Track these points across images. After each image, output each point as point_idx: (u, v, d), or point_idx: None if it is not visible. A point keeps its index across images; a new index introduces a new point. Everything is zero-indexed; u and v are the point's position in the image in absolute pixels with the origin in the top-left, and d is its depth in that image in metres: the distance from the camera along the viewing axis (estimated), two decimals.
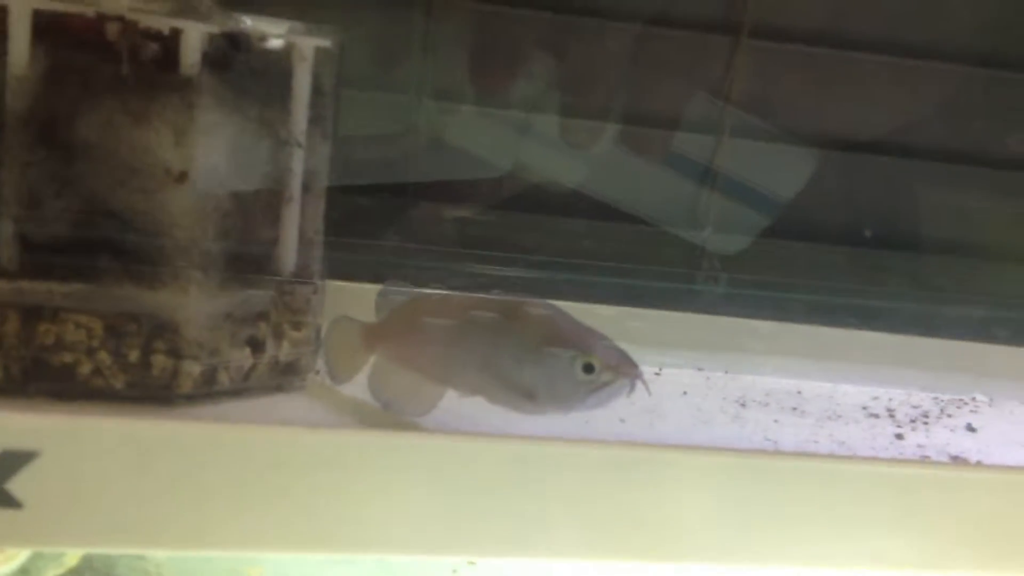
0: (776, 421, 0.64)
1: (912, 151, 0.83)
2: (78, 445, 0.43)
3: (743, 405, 0.67)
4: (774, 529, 0.50)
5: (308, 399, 0.58)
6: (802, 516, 0.51)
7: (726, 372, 0.74)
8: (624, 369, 0.51)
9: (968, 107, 0.84)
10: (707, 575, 0.57)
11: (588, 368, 0.50)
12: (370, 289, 0.60)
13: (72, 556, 0.61)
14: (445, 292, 0.58)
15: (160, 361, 0.52)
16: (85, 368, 0.52)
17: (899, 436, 0.63)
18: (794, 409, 0.67)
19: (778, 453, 0.55)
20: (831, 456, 0.55)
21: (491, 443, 0.48)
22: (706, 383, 0.72)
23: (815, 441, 0.61)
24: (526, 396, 0.52)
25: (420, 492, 0.47)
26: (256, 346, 0.56)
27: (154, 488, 0.44)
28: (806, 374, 0.74)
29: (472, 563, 0.67)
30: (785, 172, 0.83)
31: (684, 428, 0.60)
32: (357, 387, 0.59)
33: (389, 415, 0.55)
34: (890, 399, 0.72)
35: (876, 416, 0.68)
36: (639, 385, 0.51)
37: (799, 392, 0.72)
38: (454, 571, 0.68)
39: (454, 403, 0.54)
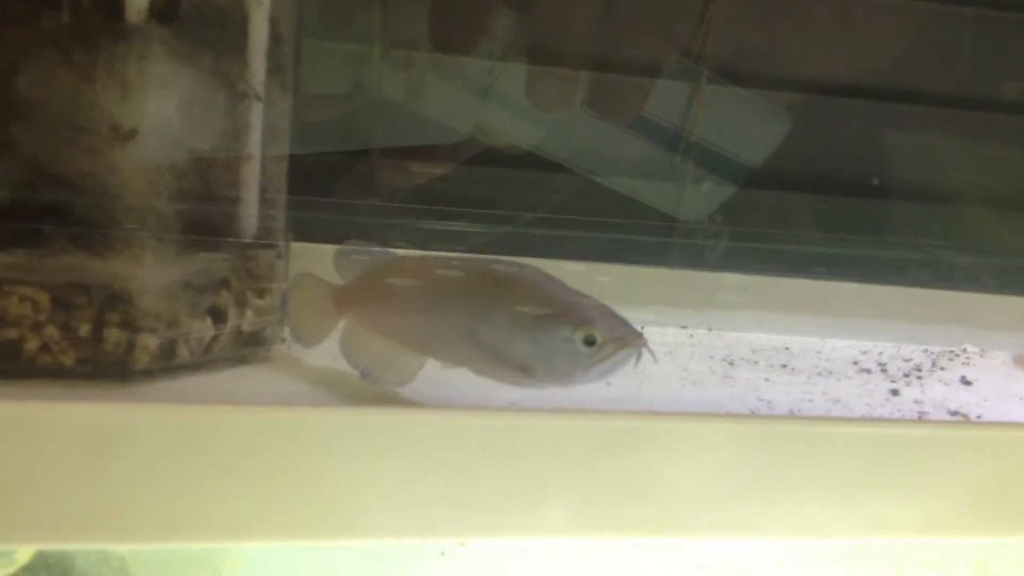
0: (767, 380, 0.61)
1: (894, 94, 0.80)
2: (23, 431, 0.39)
3: (731, 364, 0.64)
4: (776, 497, 0.48)
5: (275, 371, 0.55)
6: (802, 482, 0.48)
7: (710, 329, 0.72)
8: (628, 339, 0.47)
9: (955, 48, 0.81)
10: (705, 547, 0.55)
11: (590, 341, 0.47)
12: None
13: (24, 552, 0.57)
14: (414, 253, 0.54)
15: (113, 335, 0.49)
16: (32, 344, 0.48)
17: (894, 392, 0.61)
18: (784, 366, 0.65)
19: (782, 417, 0.52)
20: (836, 419, 0.52)
21: (474, 417, 0.45)
22: (690, 341, 0.69)
23: (809, 400, 0.58)
24: (521, 370, 0.48)
25: (401, 471, 0.44)
26: (217, 316, 0.52)
27: (110, 476, 0.41)
28: (793, 329, 0.72)
29: (462, 543, 0.64)
30: (757, 135, 0.79)
31: (673, 390, 0.57)
32: (327, 355, 0.56)
33: (366, 385, 0.52)
34: (880, 353, 0.70)
35: (868, 371, 0.65)
36: (645, 354, 0.48)
37: (787, 348, 0.69)
38: (442, 553, 0.64)
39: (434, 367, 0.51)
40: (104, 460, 0.40)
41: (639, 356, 0.48)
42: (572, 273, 0.72)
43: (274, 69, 0.53)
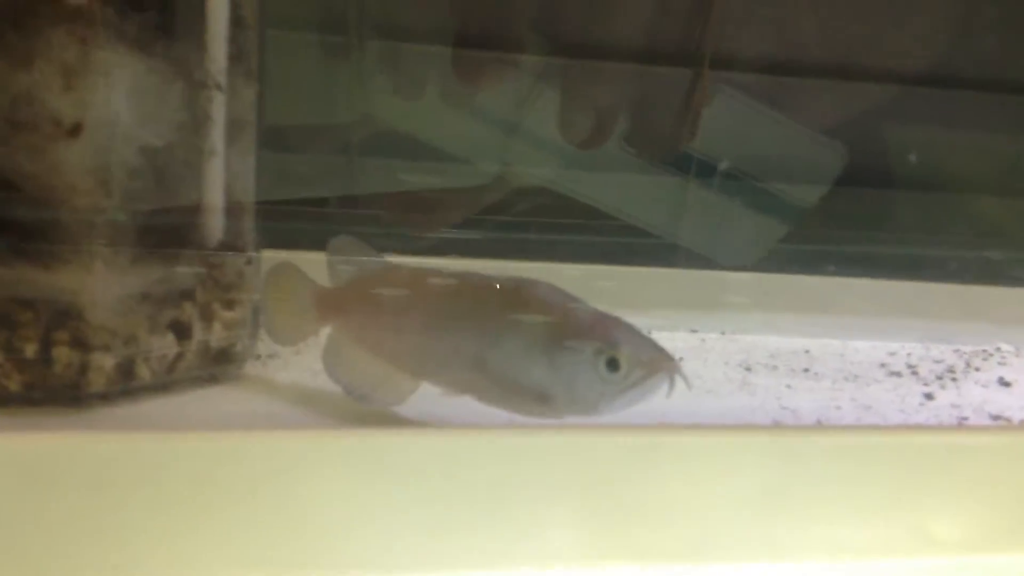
0: (788, 386, 0.56)
1: (913, 79, 0.75)
2: None
3: (748, 369, 0.59)
4: (808, 516, 0.43)
5: (248, 391, 0.50)
6: (836, 498, 0.43)
7: (723, 333, 0.67)
8: (658, 363, 0.42)
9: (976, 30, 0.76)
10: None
11: (614, 365, 0.41)
12: (315, 259, 0.51)
13: None
14: (407, 261, 0.48)
15: (63, 355, 0.44)
16: None
17: (928, 396, 0.56)
18: (806, 371, 0.60)
19: (810, 428, 0.47)
20: (870, 428, 0.47)
21: (467, 436, 0.40)
22: (702, 346, 0.64)
23: (837, 407, 0.53)
24: (538, 399, 0.43)
25: (389, 500, 0.38)
26: (181, 331, 0.47)
27: (59, 514, 0.35)
28: (812, 331, 0.67)
29: None
30: (811, 172, 0.74)
31: (688, 400, 0.52)
32: (306, 372, 0.51)
33: (350, 403, 0.47)
34: (909, 354, 0.65)
35: (898, 374, 0.60)
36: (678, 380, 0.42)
37: (807, 351, 0.64)
38: None
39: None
40: (50, 496, 0.35)
41: (672, 383, 0.42)
42: (569, 278, 0.67)
43: (236, 56, 0.48)
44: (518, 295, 0.44)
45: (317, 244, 0.51)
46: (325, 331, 0.48)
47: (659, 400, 0.43)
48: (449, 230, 0.72)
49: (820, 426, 0.49)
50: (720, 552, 0.42)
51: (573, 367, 0.42)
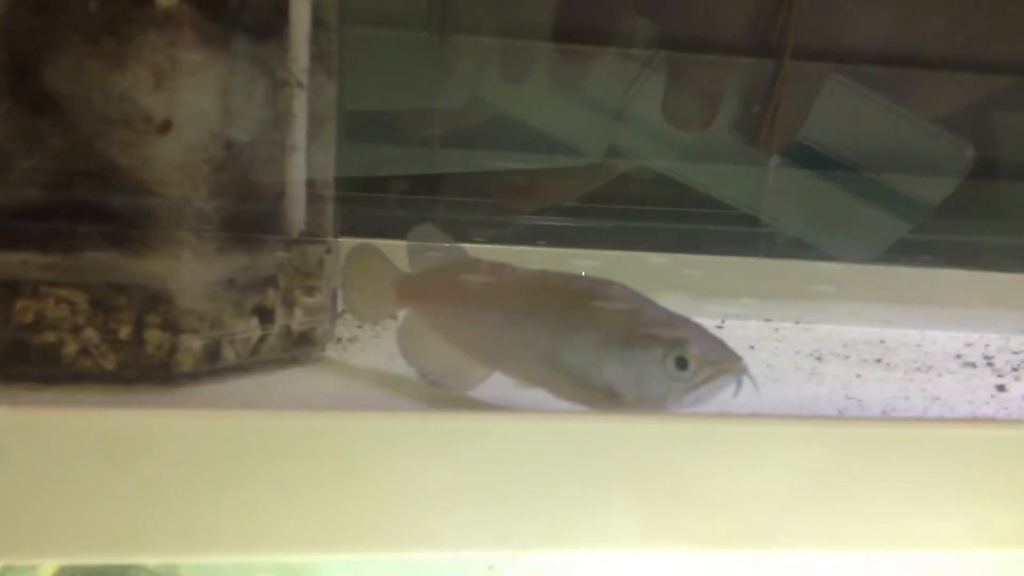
0: (858, 376, 0.56)
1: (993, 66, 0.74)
2: (43, 440, 0.37)
3: (819, 359, 0.59)
4: (864, 506, 0.43)
5: (327, 372, 0.52)
6: (894, 489, 0.43)
7: (797, 322, 0.67)
8: (725, 363, 0.43)
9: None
10: (783, 564, 0.50)
11: (682, 364, 0.43)
12: (391, 245, 0.53)
13: (48, 567, 0.55)
14: (495, 263, 0.50)
15: (155, 337, 0.46)
16: (71, 348, 0.46)
17: (1001, 388, 0.56)
18: (878, 361, 0.60)
19: (864, 419, 0.48)
20: (928, 420, 0.48)
21: (532, 421, 0.41)
22: (775, 335, 0.64)
23: (905, 397, 0.53)
24: (608, 396, 0.44)
25: (453, 480, 0.40)
26: (264, 315, 0.50)
27: (139, 487, 0.38)
28: (889, 320, 0.67)
29: (513, 558, 0.61)
30: (938, 170, 0.73)
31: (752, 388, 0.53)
32: (383, 354, 0.53)
33: (425, 385, 0.49)
34: (986, 345, 0.64)
35: (972, 365, 0.60)
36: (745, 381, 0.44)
37: (882, 341, 0.64)
38: (491, 568, 0.61)
39: None
40: (130, 470, 0.38)
41: (739, 383, 0.43)
42: (654, 266, 0.69)
43: (318, 56, 0.50)
44: (592, 294, 0.45)
45: (399, 231, 0.54)
46: (402, 313, 0.51)
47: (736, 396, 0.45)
48: (541, 214, 0.74)
49: (876, 417, 0.49)
50: (774, 537, 0.44)
51: (642, 365, 0.43)
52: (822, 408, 0.51)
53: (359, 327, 0.60)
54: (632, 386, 0.44)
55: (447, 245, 0.51)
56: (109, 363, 0.46)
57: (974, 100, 0.75)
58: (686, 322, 0.45)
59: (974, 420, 0.48)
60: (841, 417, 0.48)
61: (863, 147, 0.72)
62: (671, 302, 0.48)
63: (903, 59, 0.72)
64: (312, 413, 0.40)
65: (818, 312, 0.67)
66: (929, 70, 0.72)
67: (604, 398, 0.44)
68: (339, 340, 0.55)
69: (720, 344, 0.44)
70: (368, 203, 0.67)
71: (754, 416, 0.44)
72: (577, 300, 0.46)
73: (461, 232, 0.60)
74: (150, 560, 0.39)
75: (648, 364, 0.43)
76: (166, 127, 0.45)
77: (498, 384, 0.48)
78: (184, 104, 0.45)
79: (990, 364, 0.60)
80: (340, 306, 0.56)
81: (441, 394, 0.49)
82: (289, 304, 0.51)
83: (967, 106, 0.75)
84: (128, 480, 0.38)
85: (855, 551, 0.45)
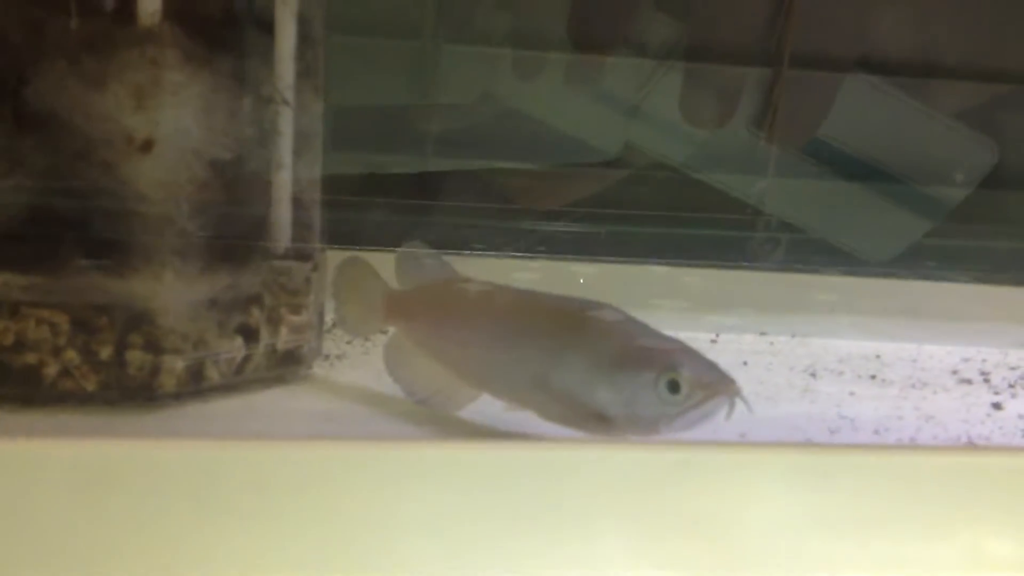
0: (852, 393, 0.56)
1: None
2: (19, 470, 0.37)
3: (813, 375, 0.59)
4: (856, 532, 0.43)
5: (314, 391, 0.52)
6: (886, 515, 0.43)
7: (792, 336, 0.66)
8: (718, 386, 0.42)
9: None
10: None
11: (674, 387, 0.42)
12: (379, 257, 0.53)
13: None
14: (485, 283, 0.49)
15: (137, 357, 0.46)
16: (51, 369, 0.45)
17: (996, 406, 0.55)
18: (873, 377, 0.59)
19: (845, 447, 0.47)
20: (907, 447, 0.47)
21: (518, 449, 0.41)
22: (770, 349, 0.64)
23: (899, 417, 0.52)
24: (599, 419, 0.43)
25: (434, 508, 0.40)
26: (249, 335, 0.49)
27: (112, 517, 0.38)
28: (886, 333, 0.66)
29: None
30: (959, 168, 0.72)
31: (742, 407, 0.52)
32: (372, 371, 0.53)
33: (412, 405, 0.49)
34: (984, 360, 0.64)
35: (968, 382, 0.59)
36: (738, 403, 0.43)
37: (878, 356, 0.64)
38: None
39: None
40: (104, 501, 0.37)
41: (732, 406, 0.42)
42: (651, 276, 0.68)
43: (304, 72, 0.50)
44: (583, 316, 0.45)
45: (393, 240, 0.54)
46: (391, 330, 0.51)
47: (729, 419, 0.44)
48: (538, 222, 0.73)
49: (855, 446, 0.48)
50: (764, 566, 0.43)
51: (634, 389, 0.42)
52: (814, 428, 0.50)
53: (348, 343, 0.59)
54: (623, 409, 0.43)
55: (436, 263, 0.51)
56: (90, 384, 0.46)
57: (978, 105, 0.74)
58: (678, 345, 0.44)
59: (963, 448, 0.48)
60: (829, 445, 0.47)
61: (884, 145, 0.71)
62: (667, 313, 0.47)
63: (909, 66, 0.71)
64: (291, 442, 0.40)
65: (814, 325, 0.66)
66: (937, 78, 0.72)
67: (595, 421, 0.43)
68: (327, 357, 0.55)
69: (712, 367, 0.43)
70: (362, 209, 0.67)
71: (742, 443, 0.44)
72: (568, 322, 0.45)
73: (459, 240, 0.59)
74: None
75: (640, 388, 0.42)
76: (148, 146, 0.44)
77: (486, 404, 0.47)
78: (166, 123, 0.45)
79: (986, 381, 0.60)
80: (329, 322, 0.56)
81: (428, 415, 0.48)
82: (274, 323, 0.50)
83: (971, 111, 0.74)
84: (103, 510, 0.38)
85: None
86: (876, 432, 0.50)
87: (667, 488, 0.42)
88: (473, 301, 0.48)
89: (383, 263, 0.58)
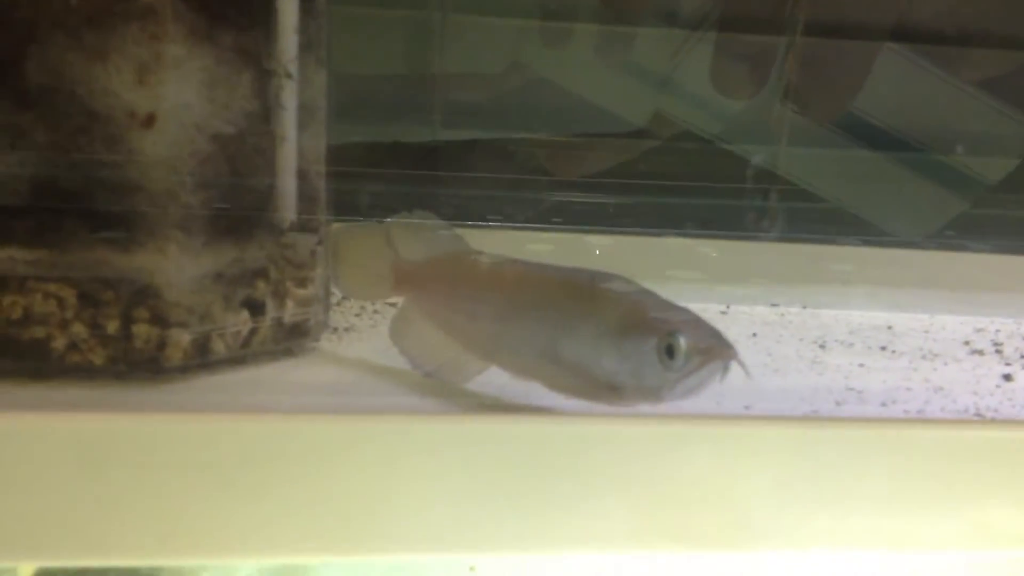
0: (861, 365, 0.55)
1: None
2: (21, 443, 0.37)
3: (823, 346, 0.58)
4: (858, 506, 0.43)
5: (320, 363, 0.52)
6: (890, 489, 0.43)
7: (804, 307, 0.66)
8: (715, 351, 0.42)
9: None
10: (771, 565, 0.50)
11: (672, 352, 0.42)
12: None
13: (25, 570, 0.56)
14: (495, 256, 0.50)
15: (143, 331, 0.46)
16: (59, 343, 0.46)
17: (1007, 377, 0.54)
18: (883, 349, 0.59)
19: (845, 420, 0.46)
20: (910, 420, 0.47)
21: (518, 423, 0.41)
22: (780, 321, 0.63)
23: (908, 388, 0.52)
24: (609, 388, 0.43)
25: (438, 481, 0.40)
26: (254, 308, 0.49)
27: (115, 490, 0.38)
28: (899, 304, 0.65)
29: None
30: (999, 148, 0.71)
31: (750, 380, 0.52)
32: (379, 343, 0.53)
33: (418, 378, 0.49)
34: (997, 331, 0.63)
35: (980, 352, 0.59)
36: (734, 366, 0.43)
37: (889, 327, 0.63)
38: (471, 568, 0.60)
39: None
40: (106, 472, 0.38)
41: (727, 369, 0.42)
42: (662, 247, 0.68)
43: (306, 45, 0.49)
44: (591, 287, 0.45)
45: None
46: (400, 301, 0.51)
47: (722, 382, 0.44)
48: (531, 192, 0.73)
49: (854, 418, 0.48)
50: (763, 538, 0.43)
51: (638, 356, 0.43)
52: (820, 399, 0.50)
53: (356, 315, 0.59)
54: (630, 378, 0.43)
55: (447, 234, 0.51)
56: (98, 358, 0.46)
57: (997, 76, 0.73)
58: (682, 312, 0.44)
59: (967, 421, 0.47)
60: (816, 418, 0.47)
61: (921, 121, 0.70)
62: (679, 285, 0.47)
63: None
64: (291, 416, 0.40)
65: (826, 296, 0.66)
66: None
67: (603, 391, 0.44)
68: (335, 330, 0.55)
69: (712, 332, 0.43)
70: (375, 180, 0.67)
71: (738, 416, 0.44)
72: (576, 293, 0.45)
73: (471, 211, 0.59)
74: (130, 563, 0.38)
75: (643, 354, 0.43)
76: (150, 121, 0.45)
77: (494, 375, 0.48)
78: (168, 97, 0.45)
79: (999, 351, 0.59)
80: (337, 293, 0.56)
81: (434, 387, 0.48)
82: (280, 296, 0.50)
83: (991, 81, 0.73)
84: (107, 482, 0.38)
85: (846, 551, 0.44)
86: (883, 404, 0.50)
87: (669, 462, 0.42)
88: (483, 273, 0.48)
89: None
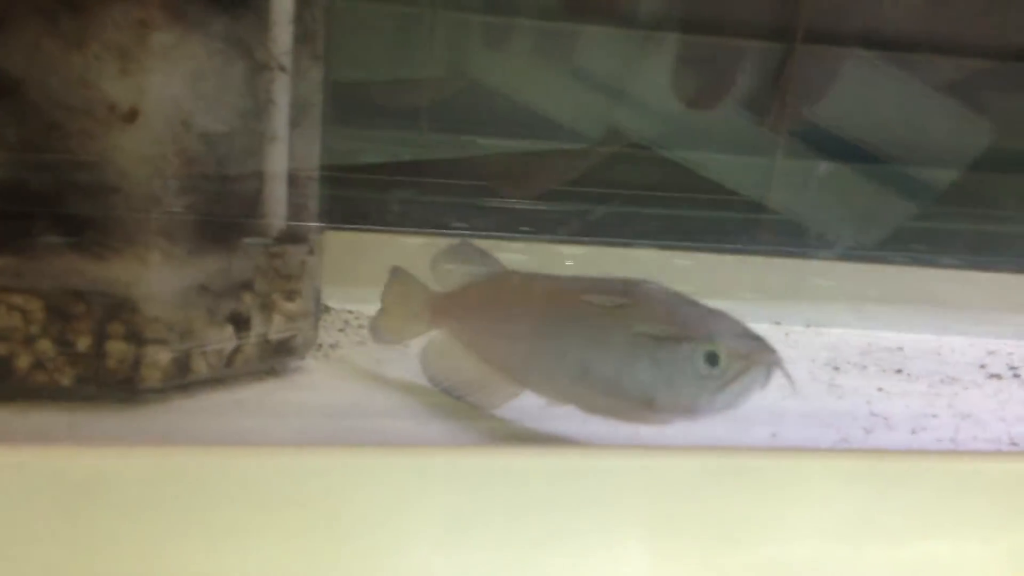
0: (880, 389, 0.53)
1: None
2: None
3: (836, 368, 0.56)
4: (902, 539, 0.40)
5: (307, 385, 0.48)
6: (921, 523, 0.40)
7: (808, 326, 0.63)
8: (757, 356, 0.39)
9: None
10: None
11: (712, 359, 0.39)
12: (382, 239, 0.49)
13: None
14: (527, 274, 0.47)
15: (117, 349, 0.42)
16: (23, 361, 0.42)
17: None
18: (899, 372, 0.56)
19: (902, 452, 0.44)
20: (967, 454, 0.44)
21: (537, 455, 0.38)
22: (786, 341, 0.60)
23: (934, 415, 0.50)
24: (643, 403, 0.40)
25: (449, 515, 0.36)
26: (240, 323, 0.45)
27: (84, 531, 0.34)
28: (904, 324, 0.63)
29: None
30: (952, 147, 0.69)
31: (771, 403, 0.48)
32: (367, 361, 0.49)
33: (412, 399, 0.47)
34: (1010, 353, 0.61)
35: (998, 376, 0.56)
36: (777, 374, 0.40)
37: (900, 348, 0.61)
38: None
39: None
40: (75, 512, 0.34)
41: (769, 375, 0.39)
42: (642, 261, 0.64)
43: (302, 36, 0.45)
44: (624, 295, 0.42)
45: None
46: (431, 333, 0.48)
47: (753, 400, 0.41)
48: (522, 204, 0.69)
49: (909, 451, 0.45)
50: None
51: (673, 365, 0.40)
52: (845, 425, 0.47)
53: (340, 331, 0.55)
54: (665, 389, 0.40)
55: (479, 257, 0.48)
56: (66, 378, 0.42)
57: (991, 85, 0.71)
58: (720, 316, 0.41)
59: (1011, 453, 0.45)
60: (869, 451, 0.44)
61: (874, 125, 0.68)
62: None
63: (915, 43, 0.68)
64: (282, 449, 0.36)
65: (826, 314, 0.63)
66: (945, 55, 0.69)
67: (637, 407, 0.41)
68: (319, 346, 0.51)
69: (753, 336, 0.41)
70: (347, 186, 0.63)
71: (783, 450, 0.41)
72: (610, 303, 0.42)
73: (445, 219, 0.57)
74: None
75: (679, 362, 0.40)
76: (132, 115, 0.40)
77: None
78: (153, 90, 0.41)
79: (1016, 376, 0.57)
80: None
81: (429, 410, 0.46)
82: (267, 310, 0.46)
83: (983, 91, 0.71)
84: (75, 523, 0.34)
85: None
86: (913, 432, 0.47)
87: (697, 495, 0.39)
88: (514, 292, 0.46)
89: (377, 244, 0.55)
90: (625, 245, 0.65)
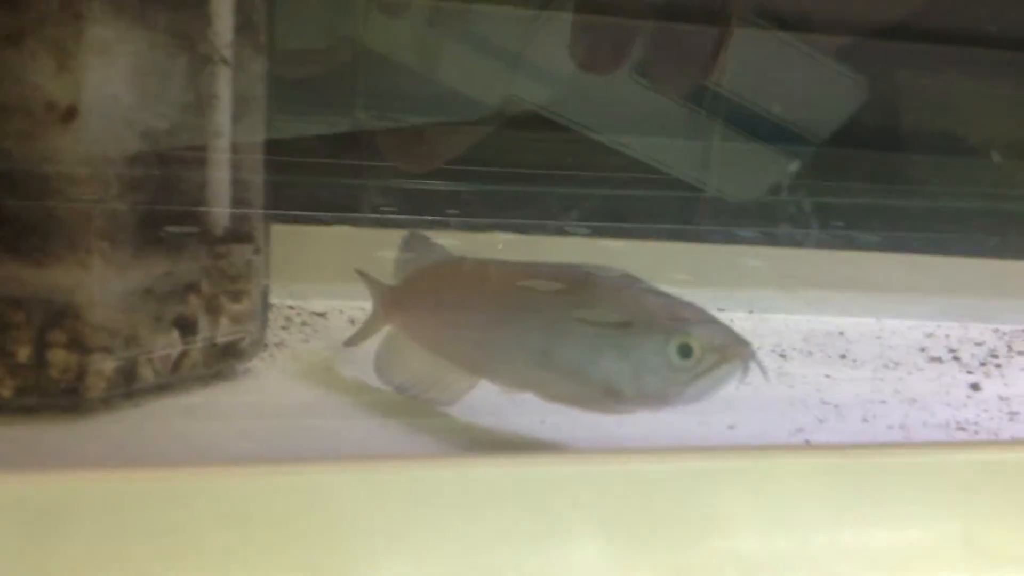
0: (828, 376, 0.53)
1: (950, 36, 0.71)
2: None
3: (783, 356, 0.56)
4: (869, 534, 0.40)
5: (255, 388, 0.46)
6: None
7: (750, 312, 0.63)
8: (732, 349, 0.39)
9: None
10: None
11: (685, 351, 0.38)
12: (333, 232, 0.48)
13: None
14: (478, 260, 0.46)
15: (60, 358, 0.40)
16: None
17: (974, 387, 0.53)
18: (843, 357, 0.57)
19: (868, 446, 0.44)
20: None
21: (483, 465, 0.37)
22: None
23: (882, 400, 0.50)
24: (606, 392, 0.39)
25: (408, 530, 0.35)
26: (186, 327, 0.44)
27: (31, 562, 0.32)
28: (843, 309, 0.63)
29: None
30: (827, 104, 0.69)
31: (723, 392, 0.48)
32: (315, 360, 0.48)
33: (366, 399, 0.46)
34: (947, 336, 0.62)
35: (939, 360, 0.57)
36: (752, 367, 0.39)
37: (841, 333, 0.61)
38: None
39: None
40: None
41: (746, 370, 0.39)
42: (582, 249, 0.64)
43: (244, 26, 0.44)
44: (586, 284, 0.41)
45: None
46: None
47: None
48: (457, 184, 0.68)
49: (878, 445, 0.45)
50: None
51: (642, 355, 0.39)
52: (798, 413, 0.48)
53: (283, 328, 0.54)
54: (632, 380, 0.39)
55: (426, 247, 0.48)
56: (5, 390, 0.40)
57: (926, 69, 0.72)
58: (689, 306, 0.40)
59: (974, 443, 0.45)
60: (830, 447, 0.44)
61: (758, 83, 0.68)
62: None
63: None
64: (240, 467, 0.34)
65: (770, 301, 0.63)
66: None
67: (600, 395, 0.40)
68: (266, 346, 0.49)
69: (725, 329, 0.40)
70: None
71: (750, 449, 0.41)
72: (569, 290, 0.41)
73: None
74: None
75: (647, 353, 0.39)
76: (71, 114, 0.38)
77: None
78: (92, 87, 0.39)
79: (956, 359, 0.58)
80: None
81: (378, 412, 0.44)
82: (214, 312, 0.44)
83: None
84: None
85: None
86: (864, 420, 0.47)
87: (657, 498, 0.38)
88: (466, 279, 0.45)
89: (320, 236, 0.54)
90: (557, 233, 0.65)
